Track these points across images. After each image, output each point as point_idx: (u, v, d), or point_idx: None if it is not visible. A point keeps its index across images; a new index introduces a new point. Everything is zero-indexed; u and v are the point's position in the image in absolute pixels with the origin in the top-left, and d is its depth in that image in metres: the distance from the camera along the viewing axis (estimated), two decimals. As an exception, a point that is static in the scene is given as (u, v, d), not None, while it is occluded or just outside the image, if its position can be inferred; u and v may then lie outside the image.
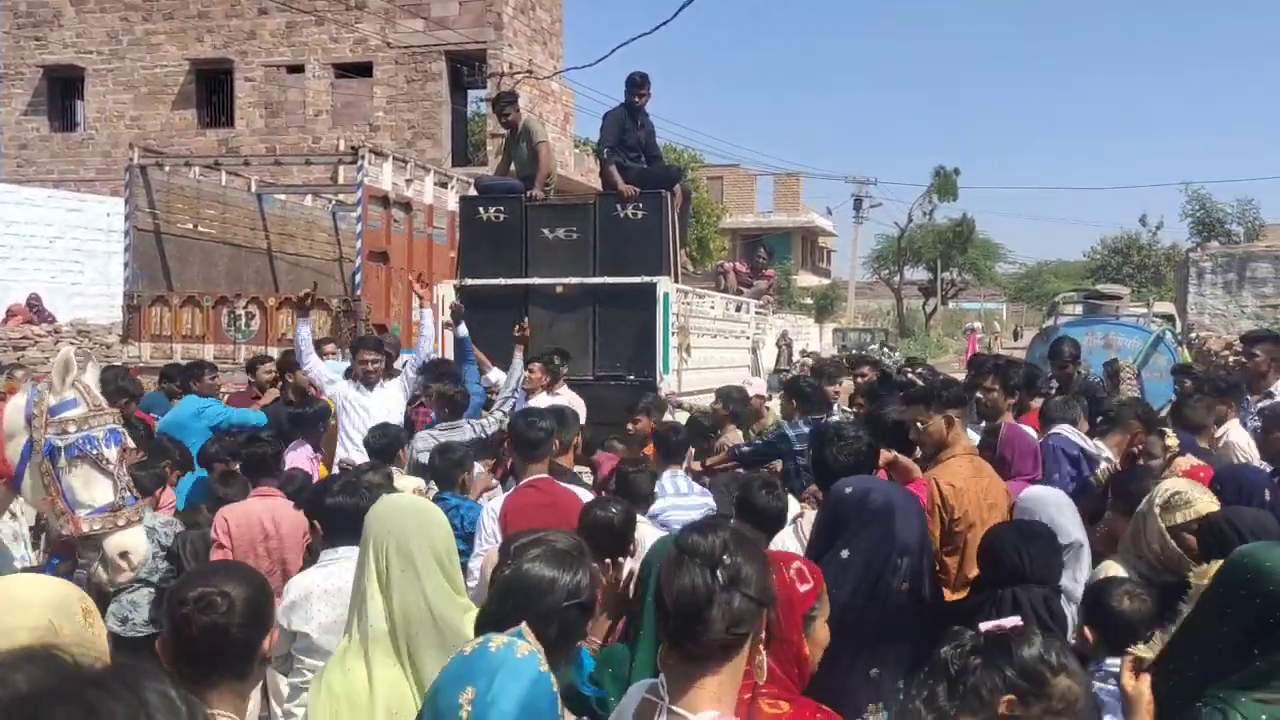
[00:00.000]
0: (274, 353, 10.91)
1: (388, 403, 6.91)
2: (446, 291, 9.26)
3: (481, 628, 2.20)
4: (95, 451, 3.48)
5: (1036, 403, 6.44)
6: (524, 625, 2.08)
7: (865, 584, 3.20)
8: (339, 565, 3.59)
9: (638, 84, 9.45)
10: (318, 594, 3.61)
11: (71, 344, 4.23)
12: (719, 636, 1.83)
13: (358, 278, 11.48)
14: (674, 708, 1.85)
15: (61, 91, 26.91)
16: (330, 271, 15.14)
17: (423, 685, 2.62)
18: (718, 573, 1.84)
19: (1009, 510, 4.28)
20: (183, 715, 0.93)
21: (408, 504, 3.02)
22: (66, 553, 3.75)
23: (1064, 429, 5.50)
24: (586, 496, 4.56)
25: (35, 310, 17.63)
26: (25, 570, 3.88)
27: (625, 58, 45.51)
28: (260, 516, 4.85)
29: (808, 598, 2.33)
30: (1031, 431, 5.72)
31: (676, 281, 9.10)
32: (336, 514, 3.71)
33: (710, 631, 1.82)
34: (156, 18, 25.77)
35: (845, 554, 3.19)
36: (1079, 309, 15.96)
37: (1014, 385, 6.18)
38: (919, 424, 4.58)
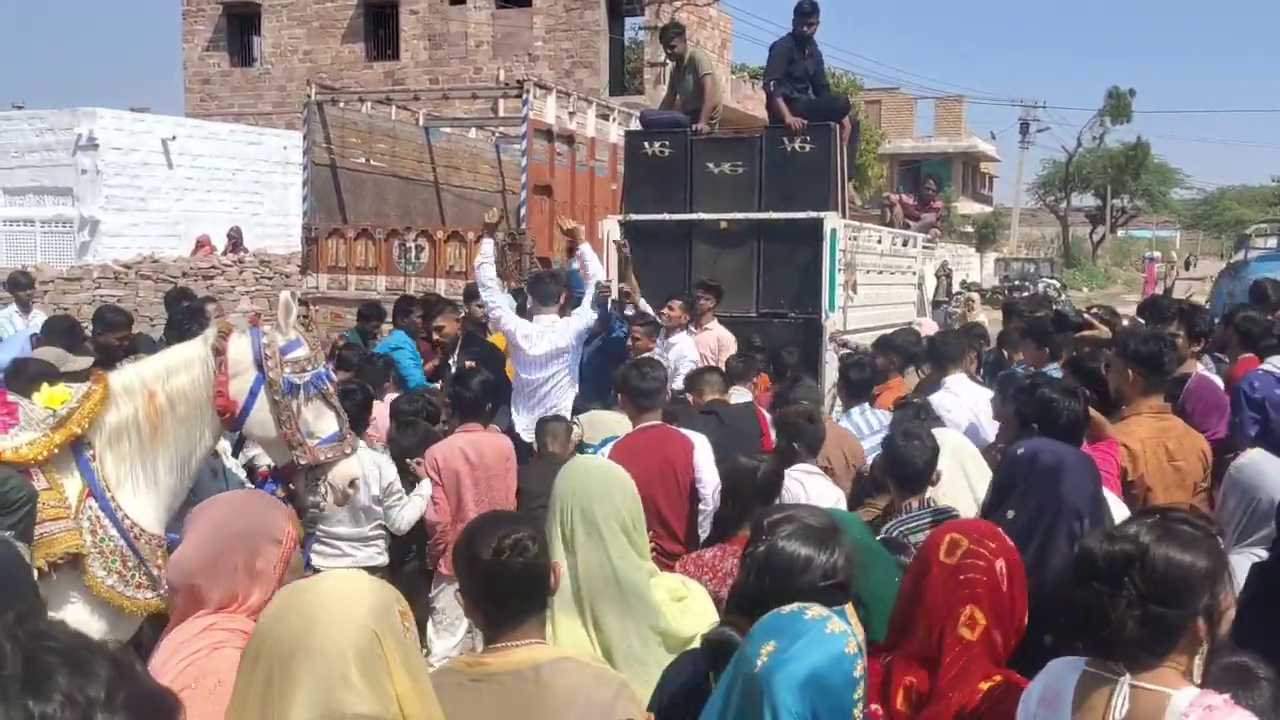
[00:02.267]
0: (441, 285, 11.26)
1: (557, 340, 6.88)
2: (611, 226, 9.33)
3: (737, 606, 2.20)
4: (326, 387, 3.81)
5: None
6: (849, 606, 2.07)
7: (1030, 547, 3.13)
8: None
9: (806, 13, 9.20)
10: None
11: (288, 289, 4.52)
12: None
13: (523, 211, 11.65)
14: (1138, 683, 1.87)
15: (240, 27, 28.02)
16: (493, 204, 15.40)
17: (605, 647, 2.67)
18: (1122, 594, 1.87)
19: (1209, 474, 4.08)
20: None
21: (595, 466, 3.03)
22: (284, 479, 4.00)
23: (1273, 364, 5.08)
24: (701, 441, 4.61)
25: (234, 243, 18.60)
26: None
27: (783, -21, 44.38)
28: (462, 449, 5.11)
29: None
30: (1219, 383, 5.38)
31: (844, 216, 8.92)
32: None
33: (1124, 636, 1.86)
34: (328, -47, 26.47)
35: (1010, 514, 3.08)
36: (1274, 241, 14.89)
37: (1199, 332, 5.85)
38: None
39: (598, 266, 7.32)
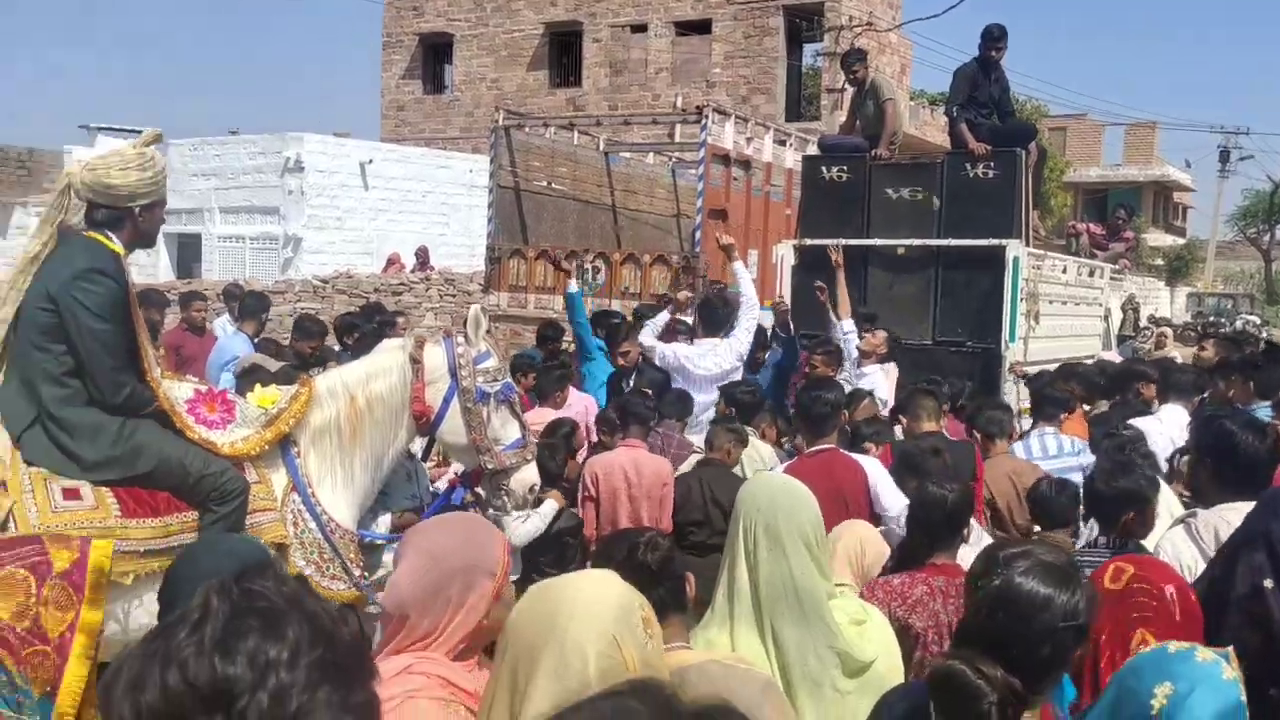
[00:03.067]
0: (617, 305, 11.53)
1: (720, 361, 6.92)
2: (785, 251, 9.40)
3: (964, 639, 2.12)
4: (514, 395, 4.08)
5: None
6: (1230, 649, 1.99)
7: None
8: None
9: (995, 37, 9.06)
10: None
11: (478, 304, 4.78)
12: None
13: (698, 234, 11.82)
14: None
15: (434, 57, 29.46)
16: (668, 228, 15.70)
17: (783, 664, 2.64)
18: None
19: None
20: None
21: (779, 482, 3.00)
22: (469, 484, 4.24)
23: None
24: (874, 465, 4.52)
25: (421, 261, 19.52)
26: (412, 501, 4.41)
27: (966, 6, 43.07)
28: (624, 466, 5.07)
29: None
30: None
31: (1028, 245, 8.72)
32: None
33: None
34: (516, -17, 27.57)
35: (1269, 585, 2.69)
36: None
37: None
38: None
39: (749, 285, 7.27)
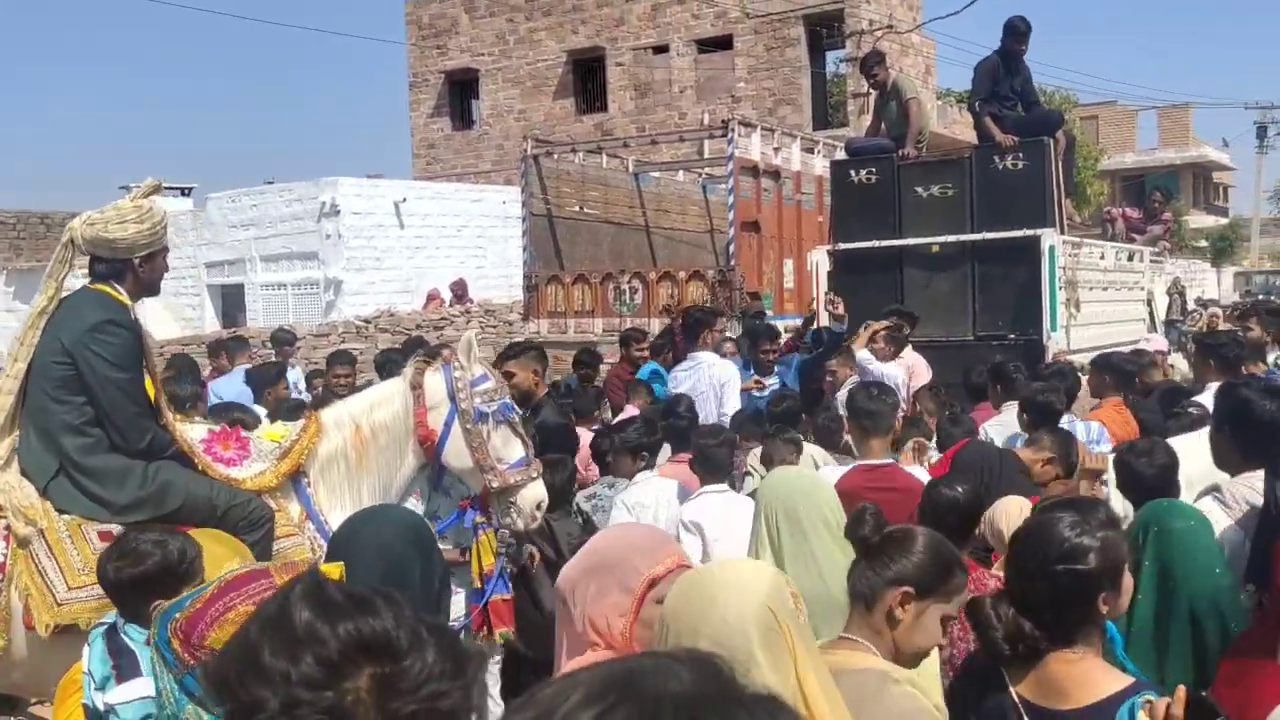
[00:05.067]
0: (654, 325, 11.57)
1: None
2: (820, 258, 9.43)
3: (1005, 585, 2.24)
4: (514, 415, 4.16)
5: None
6: None
7: None
8: None
9: (1022, 31, 9.02)
10: None
11: (475, 329, 4.88)
12: None
13: (731, 248, 11.87)
14: None
15: (460, 93, 29.84)
16: (702, 243, 15.77)
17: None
18: None
19: None
20: None
21: (796, 472, 3.16)
22: (481, 506, 4.28)
23: None
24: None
25: (458, 295, 19.72)
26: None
27: (986, 1, 42.83)
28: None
29: None
30: None
31: (1062, 233, 8.68)
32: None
33: None
34: (537, 15, 27.83)
35: None
36: None
37: None
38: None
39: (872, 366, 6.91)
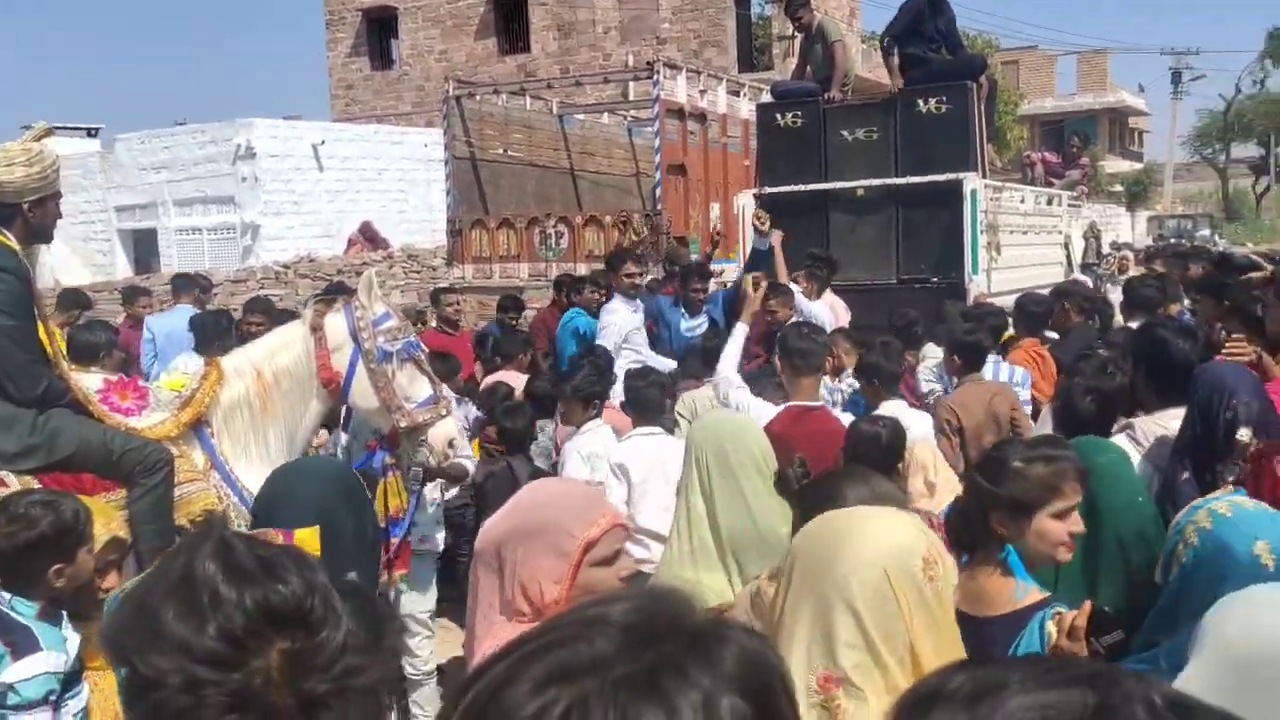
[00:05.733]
0: (581, 269, 11.48)
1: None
2: (746, 201, 9.39)
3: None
4: (419, 353, 4.11)
5: None
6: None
7: (1204, 429, 3.04)
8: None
9: (946, -29, 9.01)
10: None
11: (371, 269, 4.73)
12: None
13: (658, 192, 11.81)
14: None
15: (379, 32, 29.03)
16: (629, 187, 15.67)
17: None
18: None
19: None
20: None
21: (724, 415, 3.17)
22: (390, 446, 4.24)
23: None
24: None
25: (368, 237, 19.37)
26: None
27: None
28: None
29: None
30: None
31: (984, 177, 8.76)
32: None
33: None
34: (456, -47, 27.16)
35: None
36: None
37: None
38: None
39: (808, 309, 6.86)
